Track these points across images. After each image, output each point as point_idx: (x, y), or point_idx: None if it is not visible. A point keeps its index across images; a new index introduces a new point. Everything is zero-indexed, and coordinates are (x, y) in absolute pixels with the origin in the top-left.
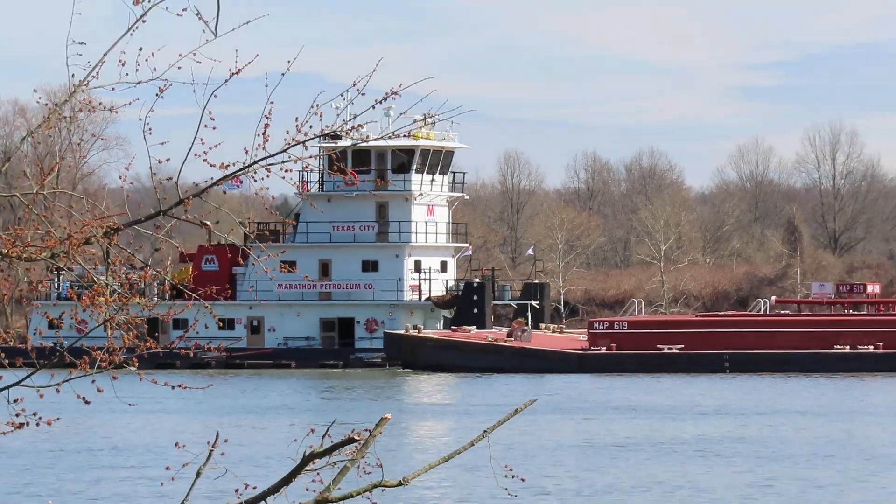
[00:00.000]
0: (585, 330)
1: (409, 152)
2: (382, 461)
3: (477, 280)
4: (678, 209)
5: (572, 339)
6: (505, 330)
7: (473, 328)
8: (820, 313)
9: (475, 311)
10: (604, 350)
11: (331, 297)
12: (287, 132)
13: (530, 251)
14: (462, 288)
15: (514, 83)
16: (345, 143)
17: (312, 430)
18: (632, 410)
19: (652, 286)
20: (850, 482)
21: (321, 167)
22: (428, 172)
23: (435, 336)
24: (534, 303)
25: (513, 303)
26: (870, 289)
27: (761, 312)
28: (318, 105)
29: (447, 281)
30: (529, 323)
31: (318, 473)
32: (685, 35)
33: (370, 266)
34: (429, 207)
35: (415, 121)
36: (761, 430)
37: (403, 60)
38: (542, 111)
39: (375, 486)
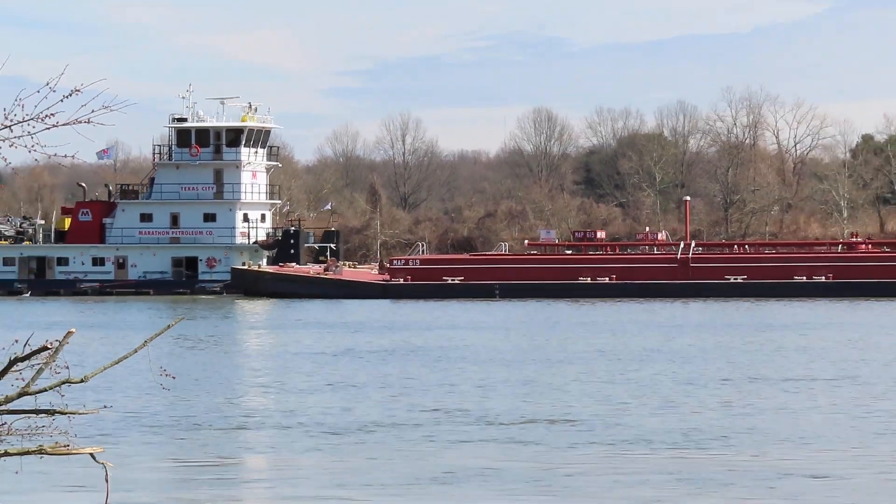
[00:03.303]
0: (374, 266)
1: (238, 131)
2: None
3: (293, 228)
4: (290, 177)
5: (367, 273)
6: (319, 266)
7: (294, 264)
8: (563, 254)
9: (292, 251)
10: (402, 281)
11: (179, 241)
12: None
13: (328, 206)
14: (281, 234)
15: (87, 67)
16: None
17: (17, 340)
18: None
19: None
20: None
21: (170, 142)
22: (252, 146)
23: (272, 270)
24: (332, 245)
25: (316, 245)
26: (599, 234)
27: (504, 252)
28: (21, 99)
29: (267, 229)
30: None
31: (20, 374)
32: (294, 48)
33: (210, 217)
34: (253, 173)
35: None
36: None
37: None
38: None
39: (63, 383)
